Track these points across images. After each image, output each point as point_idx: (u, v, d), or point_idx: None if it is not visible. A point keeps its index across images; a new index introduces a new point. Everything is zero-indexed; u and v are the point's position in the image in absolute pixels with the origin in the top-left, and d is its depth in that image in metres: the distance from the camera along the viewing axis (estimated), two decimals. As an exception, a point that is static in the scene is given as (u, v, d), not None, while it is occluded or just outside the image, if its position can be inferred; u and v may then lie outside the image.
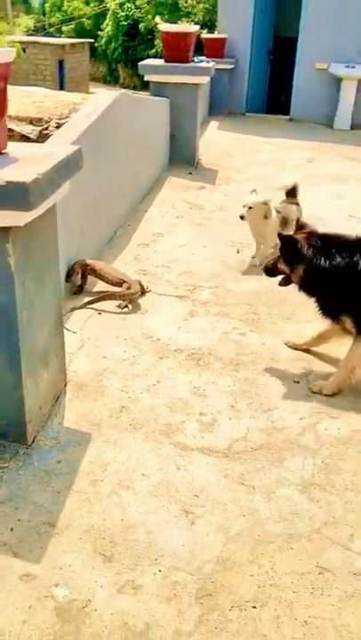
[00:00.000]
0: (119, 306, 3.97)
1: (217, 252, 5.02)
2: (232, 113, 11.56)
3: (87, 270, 4.07)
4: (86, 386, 3.16)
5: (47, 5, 39.63)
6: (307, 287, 3.30)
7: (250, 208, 4.49)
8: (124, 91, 5.43)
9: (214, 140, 9.37)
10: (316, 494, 2.59)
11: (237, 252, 5.14)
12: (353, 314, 3.19)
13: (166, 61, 7.11)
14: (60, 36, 35.18)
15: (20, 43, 29.55)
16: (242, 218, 4.51)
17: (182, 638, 1.97)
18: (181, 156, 7.39)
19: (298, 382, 3.36)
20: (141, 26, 31.94)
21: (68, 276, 4.00)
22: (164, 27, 7.11)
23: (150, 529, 2.35)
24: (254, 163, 8.21)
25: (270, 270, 3.43)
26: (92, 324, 3.76)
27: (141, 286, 4.13)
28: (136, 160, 5.73)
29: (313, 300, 3.35)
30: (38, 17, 41.64)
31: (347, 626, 2.06)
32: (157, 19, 9.75)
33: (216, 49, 10.99)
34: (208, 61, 7.54)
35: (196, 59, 7.33)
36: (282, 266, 3.34)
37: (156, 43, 31.87)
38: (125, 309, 3.97)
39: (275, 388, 3.29)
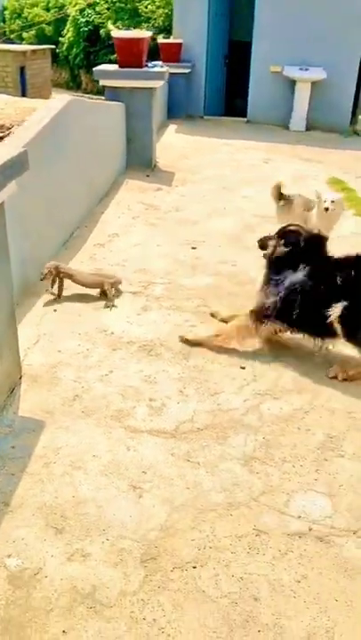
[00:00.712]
0: (106, 305, 4.12)
1: (171, 251, 5.20)
2: (190, 116, 11.78)
3: (61, 274, 4.16)
4: (41, 377, 3.32)
5: (7, 12, 39.47)
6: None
7: (332, 202, 4.75)
8: (76, 96, 5.58)
9: (172, 143, 9.58)
10: (256, 467, 2.78)
11: (193, 248, 5.32)
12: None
13: (120, 66, 7.29)
14: (20, 43, 35.10)
15: (-19, 50, 29.43)
16: (326, 210, 4.76)
17: (127, 597, 2.15)
18: (138, 159, 7.57)
19: (244, 368, 3.56)
20: (102, 31, 31.92)
21: (43, 277, 4.11)
22: (117, 33, 7.29)
23: (100, 503, 2.52)
24: (211, 164, 8.43)
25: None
26: (48, 320, 3.92)
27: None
28: (90, 163, 5.89)
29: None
30: (-2, 24, 41.45)
31: (279, 580, 2.25)
32: (110, 25, 9.91)
33: (172, 53, 11.21)
34: (162, 66, 7.75)
35: (150, 63, 7.52)
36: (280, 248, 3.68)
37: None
38: (114, 307, 4.12)
39: (222, 373, 3.48)
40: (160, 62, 8.73)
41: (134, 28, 26.59)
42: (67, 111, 4.94)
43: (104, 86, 7.29)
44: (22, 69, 31.30)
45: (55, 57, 32.98)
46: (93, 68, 7.29)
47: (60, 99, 4.90)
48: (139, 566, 2.26)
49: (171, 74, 10.61)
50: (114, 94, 7.29)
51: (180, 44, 11.25)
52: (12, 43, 35.70)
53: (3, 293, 2.94)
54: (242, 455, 2.85)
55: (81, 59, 32.27)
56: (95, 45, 32.30)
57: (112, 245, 5.25)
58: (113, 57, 11.58)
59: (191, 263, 5.00)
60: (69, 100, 4.98)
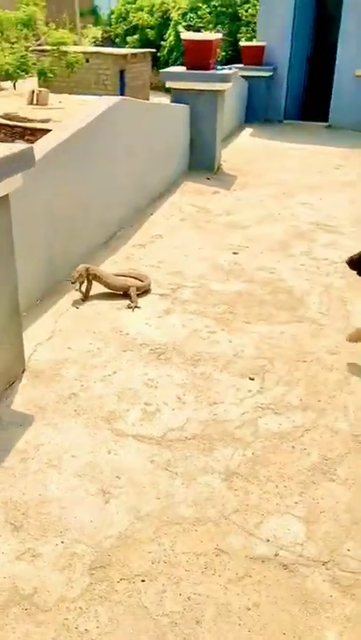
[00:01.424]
0: (129, 306, 4.12)
1: (210, 255, 5.12)
2: (269, 120, 11.60)
3: (90, 276, 4.18)
4: (43, 373, 3.34)
5: (113, 17, 40.54)
6: None
7: None
8: (126, 97, 5.61)
9: (243, 147, 9.47)
10: (236, 483, 2.67)
11: (234, 253, 5.22)
12: None
13: (188, 69, 7.27)
14: (124, 46, 36.00)
15: (84, 53, 30.45)
16: None
17: (65, 603, 2.10)
18: (201, 162, 7.53)
19: (253, 379, 3.43)
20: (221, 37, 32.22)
21: (74, 280, 4.10)
22: (186, 35, 7.29)
23: (64, 504, 2.50)
24: (277, 169, 8.26)
25: (355, 263, 3.50)
26: (68, 317, 3.94)
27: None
28: (143, 164, 5.90)
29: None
30: (105, 28, 42.69)
31: (228, 604, 2.14)
32: (180, 27, 9.91)
33: (254, 56, 11.09)
34: (230, 69, 7.65)
35: (218, 66, 7.45)
36: None
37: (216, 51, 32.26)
38: (137, 308, 4.11)
39: (228, 383, 3.37)
40: (232, 65, 8.61)
41: (235, 31, 26.58)
42: (114, 111, 4.96)
43: (170, 88, 7.29)
44: (122, 72, 32.07)
45: (156, 60, 33.62)
46: (160, 70, 7.31)
47: (109, 99, 4.92)
48: (85, 573, 2.21)
49: (252, 77, 10.61)
50: (180, 96, 7.29)
51: (262, 47, 11.10)
52: (117, 46, 36.75)
53: (5, 288, 2.97)
54: (224, 469, 2.74)
55: (181, 62, 32.67)
56: (195, 49, 32.49)
57: (152, 246, 5.23)
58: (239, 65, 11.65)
59: (228, 268, 4.90)
60: (117, 100, 5.00)
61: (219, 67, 7.50)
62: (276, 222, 6.09)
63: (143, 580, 2.21)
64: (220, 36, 7.41)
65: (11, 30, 31.01)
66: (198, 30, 32.47)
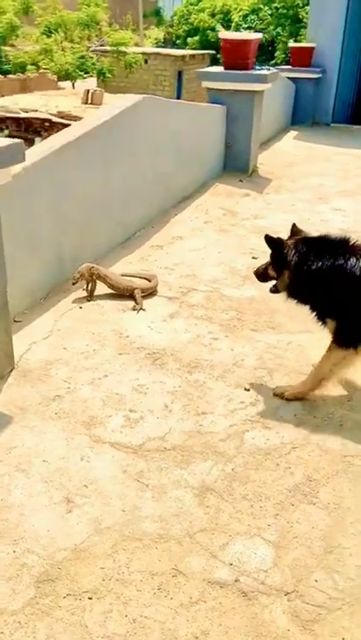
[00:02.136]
0: (134, 308, 4.04)
1: (229, 258, 4.98)
2: (316, 123, 11.33)
3: (94, 276, 4.12)
4: (31, 373, 3.28)
5: (175, 18, 40.68)
6: (292, 293, 3.13)
7: None
8: (151, 96, 5.52)
9: (284, 150, 9.26)
10: (209, 500, 2.54)
11: (253, 258, 5.06)
12: (337, 319, 3.01)
13: (226, 68, 7.14)
14: (184, 48, 36.07)
15: (143, 54, 30.66)
16: None
17: (3, 616, 2.02)
18: (235, 164, 7.38)
19: (248, 390, 3.29)
20: (263, 37, 32.14)
21: (75, 280, 4.05)
22: (224, 34, 7.15)
23: (24, 511, 2.42)
24: (316, 173, 8.02)
25: (261, 274, 3.29)
26: (69, 317, 3.88)
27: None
28: (170, 165, 5.80)
29: (305, 307, 3.19)
30: (167, 29, 42.93)
31: (175, 631, 2.01)
32: (218, 26, 9.76)
33: (303, 58, 10.85)
34: (269, 69, 7.47)
35: (257, 66, 7.29)
36: (271, 271, 3.19)
37: (276, 54, 31.90)
38: (142, 311, 4.03)
39: (221, 393, 3.24)
40: (266, 66, 8.40)
41: (295, 33, 26.24)
42: (136, 109, 4.88)
43: (207, 88, 7.17)
44: (180, 73, 32.13)
45: (215, 62, 33.55)
46: (197, 70, 7.19)
47: (132, 97, 4.84)
48: (31, 586, 2.12)
49: (299, 79, 10.37)
50: (217, 97, 7.16)
51: (311, 49, 10.85)
52: (178, 47, 36.90)
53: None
54: (199, 484, 2.61)
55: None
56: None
57: (170, 248, 5.13)
58: (271, 63, 11.50)
59: (245, 273, 4.74)
60: (140, 98, 4.92)
61: (257, 67, 7.32)
62: (304, 227, 5.86)
63: (90, 598, 2.10)
64: (259, 36, 7.24)
65: (74, 31, 31.56)
66: (259, 33, 32.26)
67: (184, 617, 2.06)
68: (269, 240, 3.03)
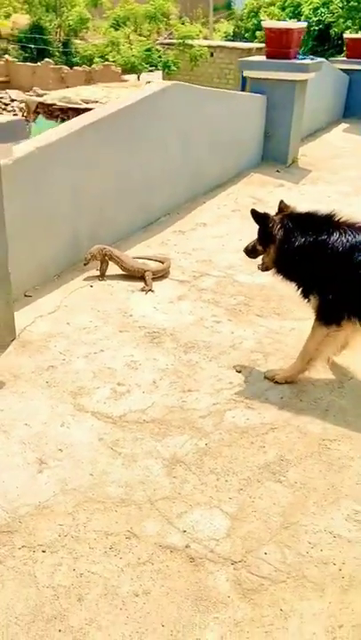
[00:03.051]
0: (143, 289, 4.14)
1: (249, 246, 4.98)
2: (371, 116, 11.06)
3: (106, 256, 4.23)
4: (31, 344, 3.42)
5: (245, 11, 40.40)
6: (279, 269, 3.15)
7: None
8: (181, 82, 5.57)
9: (331, 141, 9.12)
10: (177, 471, 2.60)
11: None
12: (319, 295, 3.02)
13: (268, 57, 7.11)
14: (253, 41, 35.79)
15: (208, 47, 30.60)
16: None
17: None
18: (274, 154, 7.35)
19: (240, 372, 3.32)
20: (332, 31, 31.58)
21: (86, 261, 4.17)
22: (268, 23, 7.14)
23: (-2, 468, 2.54)
24: (359, 166, 7.87)
25: (250, 251, 3.32)
26: (78, 294, 4.01)
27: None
28: (202, 152, 5.84)
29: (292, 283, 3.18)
30: (237, 23, 42.69)
31: (117, 587, 2.10)
32: (262, 16, 9.66)
33: (358, 49, 10.62)
34: (313, 59, 7.38)
35: (300, 56, 7.22)
36: (258, 246, 3.22)
37: (345, 48, 31.29)
38: (150, 292, 4.12)
39: (211, 373, 3.29)
40: (310, 56, 8.27)
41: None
42: (164, 95, 4.96)
43: (248, 77, 7.16)
44: (245, 67, 31.80)
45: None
46: (239, 59, 7.19)
47: (162, 83, 4.91)
48: (-10, 535, 2.24)
49: (354, 70, 10.18)
50: (258, 86, 7.14)
51: (368, 40, 10.61)
52: (246, 41, 36.66)
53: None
54: (170, 456, 2.68)
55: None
56: (323, 45, 31.89)
57: (192, 234, 5.19)
58: (340, 57, 11.34)
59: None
60: (170, 84, 4.99)
61: (301, 56, 7.25)
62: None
63: (44, 551, 2.21)
64: (304, 25, 7.18)
65: (143, 24, 31.82)
66: (329, 26, 31.70)
67: (129, 576, 2.13)
68: (255, 215, 3.05)
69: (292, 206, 3.13)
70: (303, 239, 2.89)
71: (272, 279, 4.19)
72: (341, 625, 1.98)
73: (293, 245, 2.92)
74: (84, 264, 4.11)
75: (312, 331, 3.06)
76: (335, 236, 2.84)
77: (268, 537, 2.30)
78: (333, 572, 2.15)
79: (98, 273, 4.23)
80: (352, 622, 1.98)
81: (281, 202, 3.17)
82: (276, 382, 3.21)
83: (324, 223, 2.91)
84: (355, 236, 2.82)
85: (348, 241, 2.82)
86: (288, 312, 3.98)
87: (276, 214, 3.10)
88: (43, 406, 2.94)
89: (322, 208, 5.27)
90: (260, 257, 3.19)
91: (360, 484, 2.53)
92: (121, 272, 4.24)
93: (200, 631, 1.96)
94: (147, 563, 2.18)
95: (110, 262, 4.17)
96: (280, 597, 2.08)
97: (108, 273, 4.21)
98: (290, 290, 3.96)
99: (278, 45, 7.00)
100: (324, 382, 3.25)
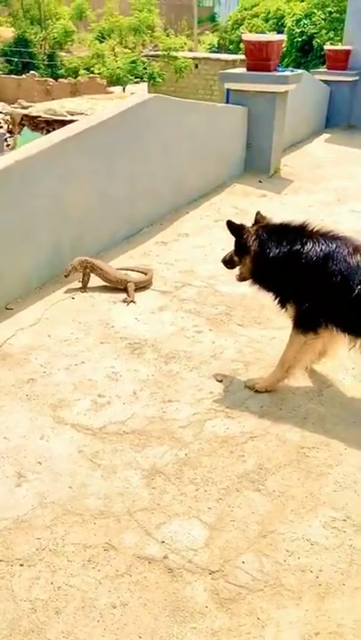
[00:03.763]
0: (125, 300, 4.15)
1: (231, 255, 5.01)
2: (352, 126, 11.19)
3: (88, 268, 4.23)
4: (11, 357, 3.42)
5: (229, 23, 40.77)
6: (255, 279, 3.18)
7: None
8: (161, 95, 5.62)
9: (312, 152, 9.21)
10: (156, 482, 2.61)
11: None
12: (296, 304, 3.05)
13: (248, 70, 7.18)
14: (237, 53, 36.10)
15: (193, 59, 30.83)
16: None
17: None
18: (256, 164, 7.40)
19: (220, 381, 3.34)
20: (315, 42, 31.92)
21: (67, 273, 4.14)
22: (247, 36, 7.21)
23: (-24, 482, 2.54)
24: (341, 175, 7.95)
25: (227, 262, 3.33)
26: (59, 306, 4.01)
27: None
28: (183, 163, 5.88)
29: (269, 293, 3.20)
30: (222, 34, 43.03)
31: (95, 600, 2.10)
32: (243, 28, 9.78)
33: (339, 60, 10.75)
34: (292, 71, 7.47)
35: (280, 68, 7.30)
36: (235, 257, 3.24)
37: (326, 59, 31.62)
38: (132, 303, 4.12)
39: (192, 383, 3.30)
40: (290, 68, 8.37)
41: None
42: (145, 107, 5.00)
43: (228, 89, 7.23)
44: (229, 78, 31.98)
45: (265, 67, 33.22)
46: (219, 72, 7.26)
47: (141, 95, 4.95)
48: (-32, 549, 2.24)
49: (334, 82, 10.31)
50: (238, 98, 7.21)
51: (348, 51, 10.74)
52: (231, 53, 36.96)
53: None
54: (150, 467, 2.68)
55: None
56: (307, 56, 32.24)
57: (174, 245, 5.21)
58: (323, 68, 11.45)
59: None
60: (150, 96, 5.04)
61: (281, 68, 7.33)
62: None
63: (22, 565, 2.21)
64: (282, 37, 7.26)
65: (127, 36, 32.04)
66: (312, 37, 32.04)
67: (107, 588, 2.14)
68: (231, 226, 3.08)
69: (269, 217, 3.17)
70: (278, 250, 2.93)
71: (253, 289, 4.25)
72: (318, 632, 1.99)
73: (268, 256, 2.95)
74: (65, 275, 4.11)
75: (290, 339, 3.09)
76: (309, 245, 2.87)
77: (246, 546, 2.31)
78: (310, 579, 2.17)
79: (80, 285, 4.23)
80: (328, 629, 1.99)
81: (258, 213, 3.20)
82: (257, 391, 3.23)
83: (297, 233, 2.95)
84: (328, 245, 2.86)
85: (321, 250, 2.86)
86: (269, 321, 4.00)
87: (252, 225, 3.13)
88: (22, 419, 2.94)
89: (301, 218, 5.34)
90: (238, 267, 3.20)
91: (338, 492, 2.55)
92: (103, 283, 4.25)
93: (177, 642, 1.96)
94: (125, 574, 2.19)
95: (92, 274, 4.18)
96: (257, 606, 2.08)
97: (90, 284, 4.22)
98: (269, 299, 4.01)
99: (258, 58, 7.06)
100: (304, 390, 3.27)
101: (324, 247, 2.86)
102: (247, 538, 2.34)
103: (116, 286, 4.22)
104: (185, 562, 2.23)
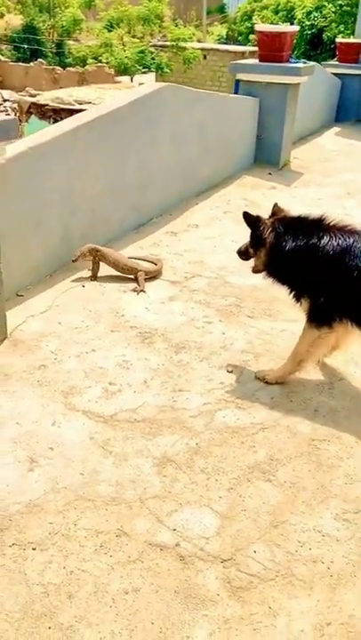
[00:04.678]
0: (135, 290, 4.14)
1: (241, 247, 5.00)
2: (362, 120, 11.14)
3: (98, 256, 4.22)
4: (23, 343, 3.42)
5: (238, 15, 40.51)
6: (270, 272, 3.18)
7: None
8: (172, 84, 5.59)
9: (323, 145, 9.17)
10: (168, 470, 2.61)
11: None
12: (311, 298, 3.04)
13: (261, 61, 7.14)
14: (246, 45, 35.89)
15: (202, 50, 30.66)
16: None
17: None
18: (266, 157, 7.38)
19: (231, 372, 3.34)
20: (325, 35, 31.71)
21: (75, 259, 4.14)
22: (260, 26, 7.17)
23: (-12, 467, 2.55)
24: (351, 169, 7.92)
25: (242, 253, 3.33)
26: (70, 294, 4.01)
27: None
28: (193, 154, 5.85)
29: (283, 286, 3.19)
30: (231, 26, 42.76)
31: (107, 585, 2.11)
32: (255, 19, 9.72)
33: (351, 53, 10.69)
34: (305, 62, 7.42)
35: (292, 59, 7.26)
36: (250, 249, 3.23)
37: (337, 52, 31.43)
38: (142, 293, 4.12)
39: (202, 373, 3.30)
40: (303, 60, 8.31)
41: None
42: (156, 97, 4.97)
43: (239, 80, 7.19)
44: (238, 70, 31.85)
45: (275, 59, 33.00)
46: (230, 62, 7.22)
47: (153, 84, 4.93)
48: (-19, 533, 2.25)
49: (346, 75, 10.25)
50: (249, 89, 7.17)
51: (359, 44, 10.68)
52: (240, 44, 36.77)
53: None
54: (161, 455, 2.69)
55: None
56: (317, 49, 32.05)
57: (184, 235, 5.20)
58: (333, 61, 11.38)
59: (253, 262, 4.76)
60: (161, 86, 5.01)
61: (293, 60, 7.29)
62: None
63: (34, 549, 2.22)
64: (296, 28, 7.23)
65: (136, 26, 31.85)
66: (322, 30, 31.83)
67: (119, 573, 2.15)
68: (247, 218, 3.07)
69: (286, 210, 3.15)
70: (294, 243, 2.92)
71: (264, 280, 4.24)
72: (329, 622, 1.99)
73: (284, 249, 2.94)
74: (73, 260, 4.10)
75: (303, 332, 3.09)
76: (325, 239, 2.86)
77: (258, 535, 2.31)
78: (322, 570, 2.17)
79: (90, 273, 4.23)
80: (340, 620, 2.00)
81: (275, 205, 3.19)
82: (267, 382, 3.23)
83: (314, 227, 2.94)
84: (345, 240, 2.85)
85: (338, 244, 2.85)
86: (279, 313, 4.00)
87: (269, 217, 3.12)
88: (34, 405, 2.94)
89: (314, 211, 5.33)
90: (253, 259, 3.19)
91: (349, 484, 2.55)
92: (113, 272, 4.24)
93: (189, 628, 1.97)
94: (137, 561, 2.19)
95: (102, 262, 4.17)
96: (269, 595, 2.09)
97: (100, 273, 4.21)
98: (281, 291, 4.00)
99: (271, 49, 7.02)
100: (315, 383, 3.27)
101: (341, 241, 2.85)
102: (258, 527, 2.34)
103: (127, 274, 4.21)
104: (197, 550, 2.24)
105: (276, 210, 3.16)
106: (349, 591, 2.10)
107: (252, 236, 3.10)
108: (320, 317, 2.99)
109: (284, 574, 2.17)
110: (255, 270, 3.22)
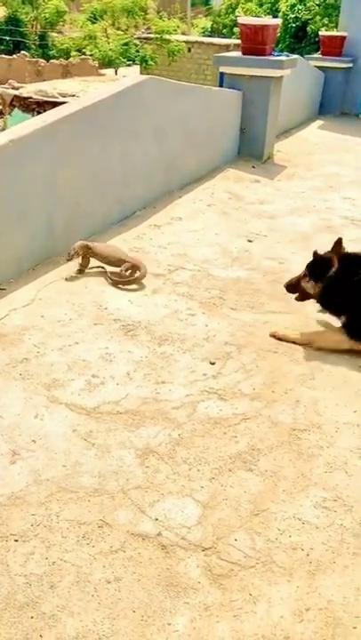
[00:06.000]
0: (109, 277, 4.13)
1: (225, 241, 5.04)
2: (345, 113, 11.21)
3: (88, 252, 4.21)
4: (5, 337, 3.42)
5: (223, 7, 40.38)
6: (323, 304, 3.51)
7: None
8: (156, 77, 5.58)
9: (306, 138, 9.21)
10: (150, 461, 2.63)
11: (249, 241, 5.11)
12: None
13: (244, 54, 7.14)
14: (230, 37, 35.80)
15: (186, 42, 30.54)
16: None
17: None
18: (250, 150, 7.40)
19: (213, 364, 3.36)
20: (309, 28, 31.74)
21: (70, 257, 4.11)
22: (243, 19, 7.16)
23: (-29, 460, 2.55)
24: (334, 162, 7.98)
25: (293, 286, 3.65)
26: (53, 288, 4.01)
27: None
28: (177, 147, 5.86)
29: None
30: (215, 18, 42.63)
31: (89, 575, 2.13)
32: (238, 11, 9.73)
33: (334, 47, 10.73)
34: (287, 56, 7.44)
35: (275, 52, 7.27)
36: (306, 283, 3.51)
37: (320, 45, 31.46)
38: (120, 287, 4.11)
39: (185, 365, 3.32)
40: (285, 53, 8.33)
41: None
42: (138, 89, 4.97)
43: (222, 73, 7.19)
44: (222, 62, 31.80)
45: (258, 52, 32.98)
46: (214, 55, 7.21)
47: (135, 77, 4.92)
48: None
49: (329, 68, 10.29)
50: (233, 82, 7.18)
51: (343, 38, 10.72)
52: (224, 37, 36.66)
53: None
54: (143, 446, 2.70)
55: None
56: (301, 42, 32.05)
57: (167, 228, 5.21)
58: (317, 54, 11.40)
59: (236, 255, 4.80)
60: (143, 78, 5.00)
61: (276, 53, 7.30)
62: (307, 214, 5.89)
63: (16, 540, 2.23)
64: (279, 21, 7.23)
65: (120, 18, 31.65)
66: (306, 23, 31.82)
67: (101, 563, 2.16)
68: (317, 258, 3.39)
69: (343, 245, 3.41)
70: (351, 280, 3.25)
71: (247, 273, 4.29)
72: (308, 608, 2.03)
73: (342, 286, 3.26)
74: (67, 260, 4.09)
75: (339, 334, 3.39)
76: None
77: (239, 524, 2.34)
78: (301, 557, 2.21)
79: (73, 266, 4.22)
80: (318, 605, 2.03)
81: (339, 239, 3.42)
82: (278, 338, 3.51)
83: None
84: None
85: None
86: (261, 305, 4.03)
87: (331, 251, 3.39)
88: (16, 398, 2.95)
89: (297, 204, 5.37)
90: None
91: (328, 473, 2.59)
92: (97, 264, 4.24)
93: (170, 616, 2.00)
94: (119, 551, 2.21)
95: (92, 258, 4.17)
96: (249, 582, 2.12)
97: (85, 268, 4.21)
98: (264, 284, 4.05)
99: (254, 42, 7.03)
100: (297, 374, 3.30)
101: None
102: (240, 516, 2.37)
103: (115, 265, 4.19)
104: (178, 539, 2.26)
105: (337, 244, 3.40)
106: (328, 577, 2.14)
107: (315, 271, 3.39)
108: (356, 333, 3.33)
109: (265, 561, 2.20)
110: (300, 299, 3.58)
